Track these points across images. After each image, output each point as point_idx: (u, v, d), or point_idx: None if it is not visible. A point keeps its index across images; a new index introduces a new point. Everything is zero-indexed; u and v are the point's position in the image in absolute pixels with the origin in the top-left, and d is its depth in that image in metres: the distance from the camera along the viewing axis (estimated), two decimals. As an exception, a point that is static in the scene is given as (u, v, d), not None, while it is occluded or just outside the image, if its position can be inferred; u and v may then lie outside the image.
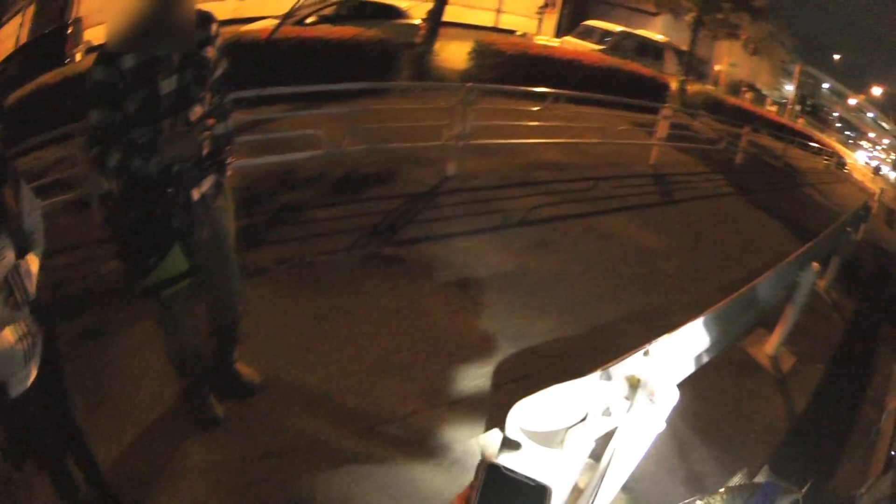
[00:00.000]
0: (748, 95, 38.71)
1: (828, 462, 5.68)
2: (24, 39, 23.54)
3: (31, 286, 2.70)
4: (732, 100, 30.35)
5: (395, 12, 19.10)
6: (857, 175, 39.75)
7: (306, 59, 13.25)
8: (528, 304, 6.59)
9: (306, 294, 6.00)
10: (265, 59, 12.07)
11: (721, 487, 2.55)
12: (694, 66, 28.49)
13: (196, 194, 3.59)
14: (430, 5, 17.39)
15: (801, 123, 42.14)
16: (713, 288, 8.20)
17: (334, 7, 18.20)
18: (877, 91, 59.61)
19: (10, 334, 2.61)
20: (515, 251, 7.80)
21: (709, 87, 31.57)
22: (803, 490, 2.53)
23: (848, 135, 61.91)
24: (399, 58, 15.36)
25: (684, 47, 27.82)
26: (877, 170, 51.14)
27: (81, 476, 3.37)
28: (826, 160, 31.38)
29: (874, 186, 32.99)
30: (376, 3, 19.18)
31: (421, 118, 10.60)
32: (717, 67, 37.78)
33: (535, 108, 11.81)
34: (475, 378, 5.22)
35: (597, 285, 7.46)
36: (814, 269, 6.45)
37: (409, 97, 13.33)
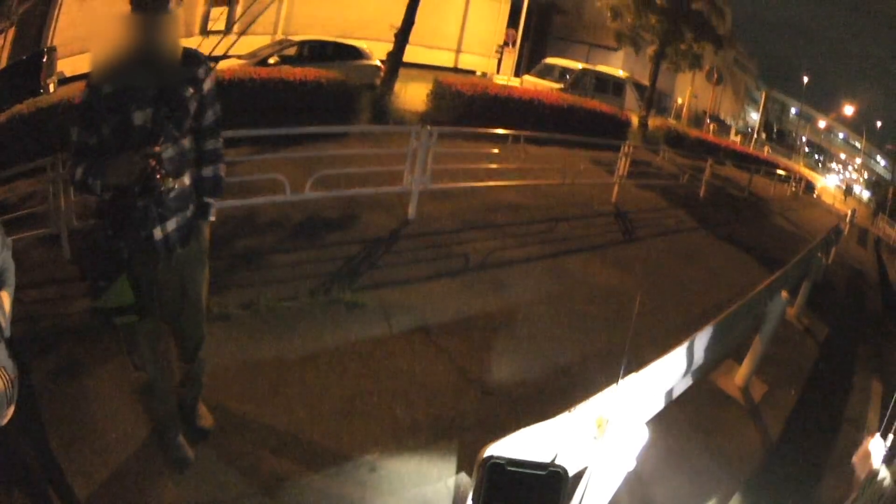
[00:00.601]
0: (712, 127, 39.06)
1: (806, 485, 5.81)
2: (2, 64, 23.41)
3: (5, 322, 2.72)
4: (695, 132, 30.61)
5: (357, 53, 19.42)
6: (827, 198, 40.29)
7: (268, 100, 13.32)
8: (492, 346, 6.60)
9: (269, 339, 5.99)
10: (227, 101, 12.00)
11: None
12: (655, 100, 28.70)
13: (158, 233, 3.60)
14: (390, 46, 17.49)
15: (766, 151, 42.51)
16: (680, 324, 8.22)
17: (296, 48, 18.50)
18: (848, 110, 60.25)
19: None
20: (477, 294, 7.81)
21: (671, 122, 31.90)
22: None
23: (818, 158, 62.62)
24: (360, 99, 15.41)
25: (645, 82, 28.10)
26: (848, 190, 51.82)
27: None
28: (794, 187, 31.73)
29: (845, 208, 33.43)
30: (337, 43, 19.49)
31: (381, 162, 10.69)
32: (679, 100, 38.19)
33: (495, 150, 11.88)
34: (441, 421, 5.23)
35: (561, 326, 7.47)
36: (782, 298, 6.57)
37: (370, 140, 13.30)
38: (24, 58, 21.15)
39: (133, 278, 3.55)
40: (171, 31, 3.42)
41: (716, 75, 36.10)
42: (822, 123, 63.74)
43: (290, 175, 8.59)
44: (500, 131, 12.43)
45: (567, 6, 38.81)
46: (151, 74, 3.47)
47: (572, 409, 2.72)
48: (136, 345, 3.91)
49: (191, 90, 3.57)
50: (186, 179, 3.69)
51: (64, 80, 17.56)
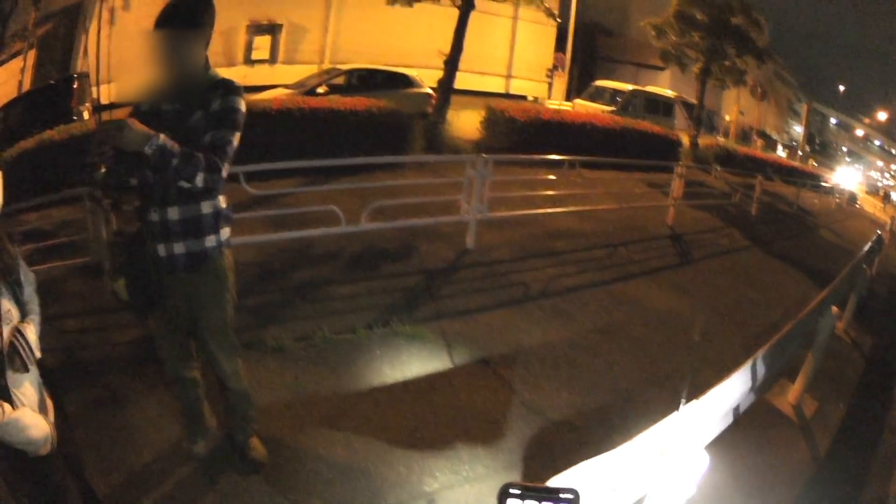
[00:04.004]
0: (759, 143, 38.80)
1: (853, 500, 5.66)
2: (27, 86, 23.45)
3: (35, 350, 2.75)
4: (743, 149, 30.39)
5: (407, 81, 19.30)
6: (868, 207, 39.82)
7: (318, 131, 13.29)
8: (551, 376, 6.48)
9: (326, 372, 5.96)
10: (276, 131, 12.17)
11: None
12: (704, 118, 28.50)
13: (162, 251, 3.67)
14: (439, 73, 17.42)
15: (811, 164, 42.16)
16: (738, 345, 8.06)
17: (344, 77, 18.49)
18: (882, 116, 59.81)
19: (26, 396, 2.71)
20: (537, 323, 7.68)
21: (720, 139, 31.68)
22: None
23: (858, 168, 62.02)
24: (412, 128, 15.25)
25: (693, 100, 27.89)
26: (886, 197, 51.12)
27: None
28: (837, 198, 31.40)
29: (885, 216, 32.98)
30: (387, 71, 19.44)
31: (437, 192, 10.63)
32: (726, 117, 37.92)
33: (551, 176, 11.77)
34: (503, 453, 5.10)
35: (621, 352, 7.33)
36: (833, 313, 6.43)
37: (425, 170, 13.30)
38: (53, 82, 21.58)
39: (134, 283, 3.69)
40: (190, 50, 3.51)
41: (759, 90, 35.87)
42: (859, 132, 63.35)
43: (345, 206, 8.54)
44: (555, 157, 12.30)
45: (612, 27, 38.77)
46: (174, 97, 3.61)
47: (634, 438, 2.68)
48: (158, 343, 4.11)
49: (200, 113, 3.57)
50: (203, 208, 3.70)
51: (99, 108, 17.27)
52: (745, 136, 39.31)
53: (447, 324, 7.28)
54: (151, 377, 5.29)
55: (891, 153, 64.69)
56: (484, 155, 9.65)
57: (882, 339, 10.05)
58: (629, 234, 12.33)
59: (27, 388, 2.72)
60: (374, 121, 14.19)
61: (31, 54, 25.77)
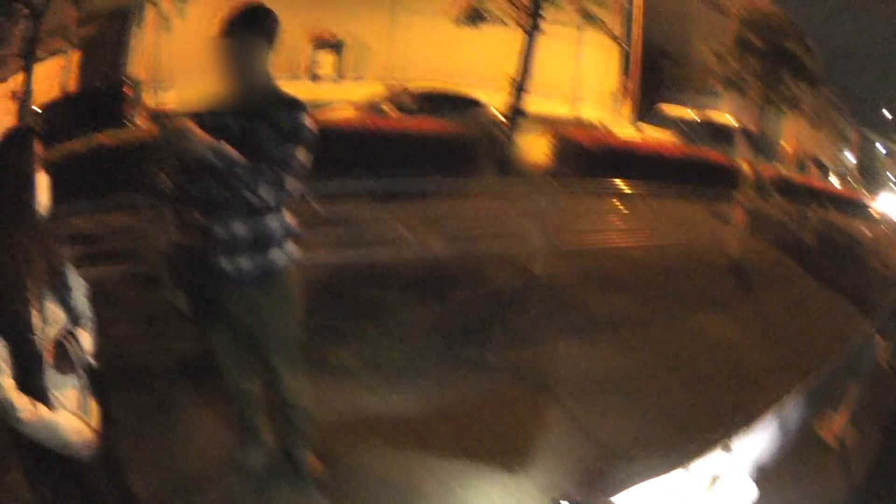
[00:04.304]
0: (814, 171, 38.46)
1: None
2: (70, 87, 23.35)
3: (88, 355, 2.83)
4: (799, 177, 30.19)
5: (475, 103, 19.28)
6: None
7: (384, 151, 13.35)
8: (613, 405, 6.52)
9: (389, 393, 6.00)
10: (341, 149, 12.12)
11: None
12: (763, 146, 28.40)
13: (227, 264, 3.64)
14: (505, 96, 17.42)
15: (862, 191, 41.78)
16: (789, 376, 7.77)
17: (412, 97, 18.53)
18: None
19: (72, 400, 2.73)
20: (600, 353, 7.70)
21: (778, 166, 31.47)
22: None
23: (905, 194, 61.09)
24: (480, 151, 15.31)
25: (752, 126, 27.78)
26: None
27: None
28: (885, 227, 31.13)
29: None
30: (455, 93, 19.49)
31: (505, 217, 10.73)
32: (783, 144, 37.66)
33: (618, 203, 11.82)
34: (559, 477, 5.16)
35: (681, 383, 7.34)
36: (878, 342, 6.47)
37: (493, 194, 13.37)
38: (102, 85, 21.68)
39: (196, 296, 3.72)
40: (254, 61, 3.51)
41: (814, 117, 35.60)
42: (905, 157, 62.69)
43: (412, 228, 8.63)
44: (622, 184, 12.33)
45: (675, 52, 38.62)
46: (239, 110, 3.56)
47: (688, 465, 2.79)
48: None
49: (267, 129, 3.52)
50: (270, 222, 3.66)
51: (155, 115, 17.33)
52: (800, 163, 39.05)
53: (512, 351, 7.29)
54: (206, 387, 5.38)
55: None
56: (552, 180, 9.67)
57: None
58: (692, 265, 12.33)
59: (69, 391, 2.74)
60: (442, 143, 14.28)
61: (75, 54, 25.86)
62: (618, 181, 12.58)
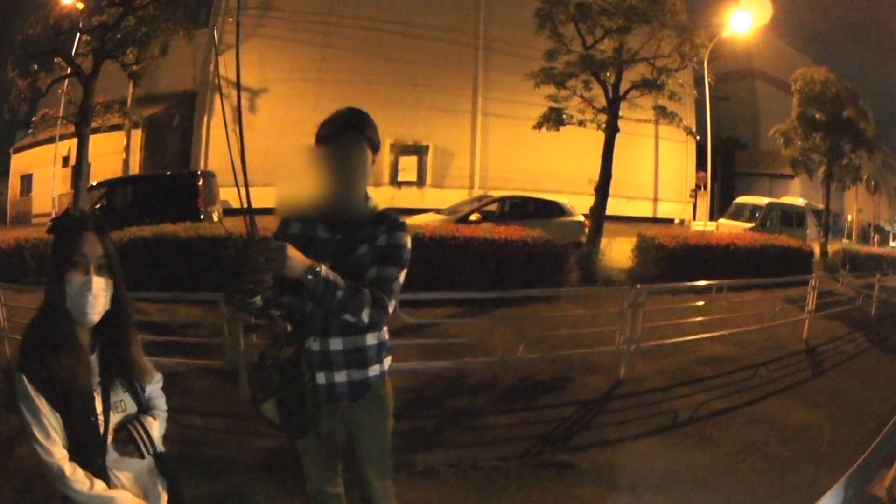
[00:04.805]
0: (876, 238, 38.10)
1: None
2: (134, 167, 23.39)
3: (158, 443, 2.89)
4: (864, 249, 30.10)
5: (559, 209, 19.47)
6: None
7: (472, 259, 13.54)
8: (692, 499, 6.73)
9: (475, 498, 6.07)
10: (429, 257, 12.48)
11: None
12: (830, 223, 28.41)
13: (322, 379, 3.55)
14: (588, 200, 18.01)
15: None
16: (860, 447, 8.10)
17: (497, 204, 18.77)
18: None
19: (129, 480, 2.83)
20: (682, 449, 7.89)
21: (845, 242, 31.41)
22: None
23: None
24: (567, 258, 15.68)
25: (820, 205, 27.90)
26: None
27: None
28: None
29: None
30: (539, 199, 19.62)
31: (592, 322, 11.04)
32: (848, 217, 37.46)
33: (700, 302, 12.13)
34: None
35: (757, 471, 7.51)
36: None
37: (579, 300, 13.85)
38: (174, 174, 21.73)
39: (287, 405, 3.44)
40: (355, 174, 3.41)
41: (872, 183, 35.37)
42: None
43: (499, 337, 9.15)
44: (702, 283, 12.64)
45: (746, 139, 38.81)
46: (335, 225, 3.49)
47: None
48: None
49: (366, 247, 3.46)
50: (367, 339, 3.58)
51: (230, 211, 17.08)
52: (863, 233, 38.72)
53: (597, 452, 7.45)
54: (287, 486, 5.52)
55: None
56: (639, 285, 10.05)
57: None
58: (768, 354, 12.56)
59: (134, 473, 2.84)
60: (527, 250, 14.38)
61: (136, 133, 26.13)
62: (699, 279, 12.88)
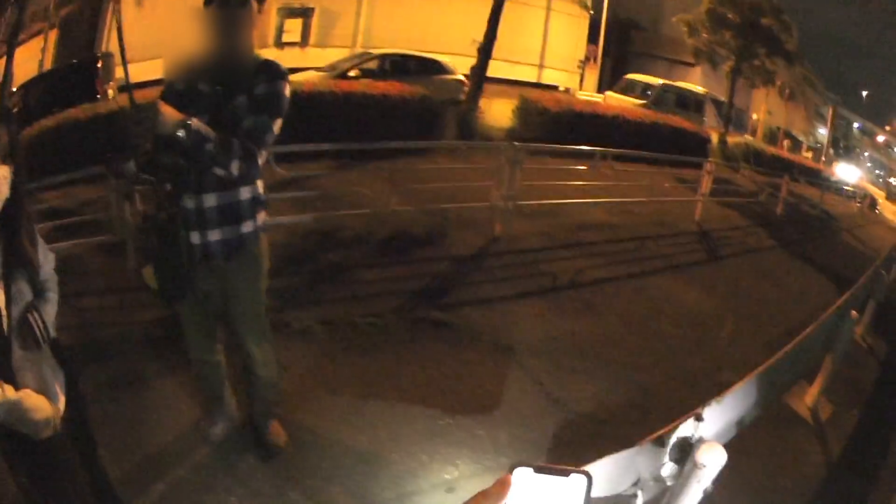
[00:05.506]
0: (786, 143, 38.65)
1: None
2: (47, 65, 23.19)
3: (51, 328, 2.73)
4: (771, 149, 30.34)
5: (440, 67, 19.31)
6: (888, 214, 39.65)
7: (349, 114, 13.31)
8: (577, 368, 6.45)
9: (351, 356, 5.95)
10: (307, 113, 12.12)
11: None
12: (733, 116, 28.49)
13: (196, 239, 3.59)
14: (471, 61, 17.47)
15: (834, 167, 42.06)
16: (759, 345, 8.00)
17: (377, 61, 18.44)
18: (903, 121, 59.75)
19: (32, 376, 2.64)
20: (563, 314, 7.67)
21: (748, 138, 31.57)
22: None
23: (878, 174, 61.82)
24: (444, 115, 15.40)
25: (723, 98, 27.84)
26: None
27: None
28: (859, 203, 31.29)
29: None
30: (420, 57, 19.39)
31: (468, 178, 10.62)
32: (754, 116, 37.75)
33: (582, 167, 11.80)
34: (522, 442, 5.11)
35: (646, 348, 7.32)
36: (853, 317, 6.37)
37: (456, 156, 13.34)
38: (76, 62, 21.64)
39: (164, 269, 3.57)
40: (242, 31, 3.42)
41: (787, 91, 35.70)
42: (880, 138, 63.19)
43: (375, 190, 8.74)
44: (586, 148, 12.30)
45: (645, 22, 38.61)
46: (216, 78, 3.50)
47: (658, 435, 2.71)
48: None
49: (244, 98, 3.47)
50: (241, 194, 3.62)
51: (124, 87, 17.62)
52: (772, 136, 39.20)
53: (474, 311, 7.25)
54: (171, 358, 5.29)
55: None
56: (516, 143, 9.63)
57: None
58: (657, 229, 12.33)
59: (34, 367, 2.67)
60: (405, 106, 14.31)
61: (53, 34, 25.66)
62: (583, 146, 12.54)
